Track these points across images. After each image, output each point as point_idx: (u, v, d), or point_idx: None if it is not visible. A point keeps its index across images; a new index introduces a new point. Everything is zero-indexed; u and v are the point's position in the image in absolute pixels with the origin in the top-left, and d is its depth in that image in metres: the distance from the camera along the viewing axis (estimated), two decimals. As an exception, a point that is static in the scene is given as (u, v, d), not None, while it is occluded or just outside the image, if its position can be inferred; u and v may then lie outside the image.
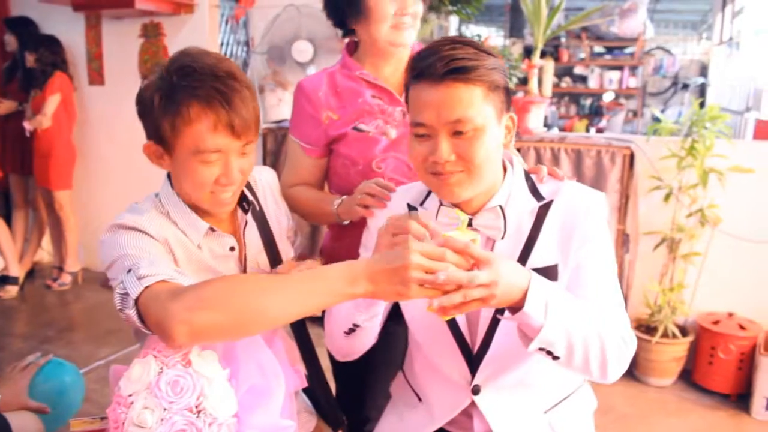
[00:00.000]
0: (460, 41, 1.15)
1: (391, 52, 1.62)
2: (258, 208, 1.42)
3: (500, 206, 1.21)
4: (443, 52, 1.12)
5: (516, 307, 1.05)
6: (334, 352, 1.31)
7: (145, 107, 1.24)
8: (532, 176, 1.29)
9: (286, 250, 1.48)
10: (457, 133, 1.13)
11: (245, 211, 1.38)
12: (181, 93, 1.18)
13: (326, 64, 1.94)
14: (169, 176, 1.34)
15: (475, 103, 1.12)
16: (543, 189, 1.26)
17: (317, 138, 1.66)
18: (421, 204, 1.32)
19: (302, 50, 3.47)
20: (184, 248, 1.29)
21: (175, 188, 1.31)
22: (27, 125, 4.12)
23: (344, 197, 1.55)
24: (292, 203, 1.63)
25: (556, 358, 1.10)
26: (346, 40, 1.74)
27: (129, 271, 1.12)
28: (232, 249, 1.35)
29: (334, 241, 1.76)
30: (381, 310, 1.18)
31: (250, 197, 1.40)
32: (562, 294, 1.11)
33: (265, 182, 1.50)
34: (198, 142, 1.20)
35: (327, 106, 1.63)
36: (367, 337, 1.24)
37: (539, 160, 3.19)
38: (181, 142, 1.21)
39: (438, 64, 1.11)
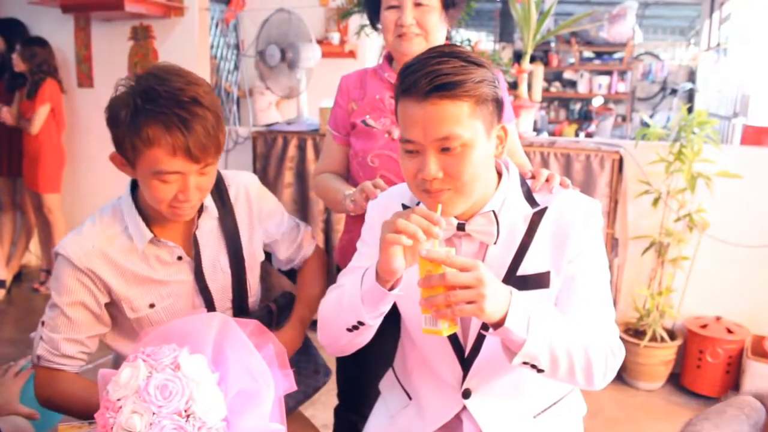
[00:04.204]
0: (448, 53, 1.13)
1: (405, 60, 1.67)
2: (221, 213, 1.50)
3: (493, 211, 1.20)
4: (429, 67, 1.10)
5: (498, 323, 1.05)
6: (328, 347, 1.30)
7: (112, 120, 1.30)
8: (528, 182, 1.29)
9: (257, 254, 1.57)
10: (444, 150, 1.12)
11: (198, 216, 1.47)
12: (144, 116, 1.24)
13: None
14: (133, 181, 1.44)
15: (462, 120, 1.10)
16: (538, 195, 1.26)
17: (343, 125, 1.83)
18: (417, 205, 1.31)
19: (272, 54, 3.47)
20: (118, 264, 1.40)
21: (138, 192, 1.42)
22: (7, 116, 4.11)
23: (352, 190, 1.65)
24: (317, 190, 1.87)
25: (540, 371, 1.11)
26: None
27: (42, 324, 1.41)
28: (179, 258, 1.45)
29: (346, 233, 1.87)
30: (389, 307, 1.17)
31: (207, 203, 1.47)
32: (545, 308, 1.11)
33: (242, 186, 1.56)
34: (157, 165, 1.27)
35: (353, 97, 1.81)
36: (369, 334, 1.23)
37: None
38: (141, 162, 1.28)
39: (422, 81, 1.09)
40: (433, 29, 1.65)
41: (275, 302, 1.62)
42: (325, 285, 1.69)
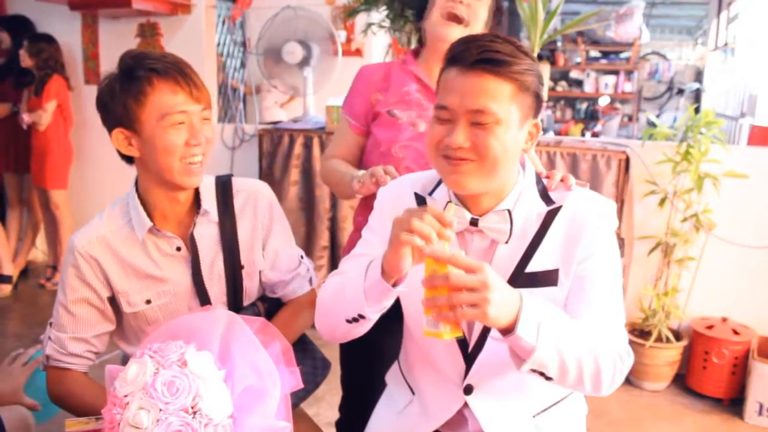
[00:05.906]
0: (503, 38, 1.14)
1: (441, 50, 1.66)
2: (222, 219, 1.50)
3: (508, 210, 1.19)
4: (481, 41, 1.12)
5: (507, 329, 1.04)
6: (325, 333, 1.28)
7: (105, 102, 1.40)
8: (544, 180, 1.28)
9: (257, 262, 1.55)
10: (476, 124, 1.12)
11: (196, 215, 1.48)
12: (139, 70, 1.35)
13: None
14: (137, 179, 1.49)
15: (501, 99, 1.11)
16: (554, 193, 1.25)
17: (364, 115, 1.82)
18: (430, 194, 1.30)
19: (291, 51, 3.46)
20: (120, 256, 1.45)
21: (139, 183, 1.47)
22: (26, 117, 4.12)
23: (362, 172, 1.63)
24: (324, 173, 1.85)
25: (548, 378, 1.09)
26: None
27: (51, 324, 1.47)
28: (178, 249, 1.48)
29: (359, 215, 1.87)
30: (391, 302, 1.16)
31: (207, 207, 1.48)
32: (555, 314, 1.09)
33: (251, 194, 1.55)
34: (162, 107, 1.35)
35: (377, 88, 1.81)
36: (368, 326, 1.22)
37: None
38: (147, 113, 1.35)
39: (472, 51, 1.11)
40: (480, 20, 1.69)
41: (262, 300, 1.61)
42: (298, 333, 1.62)
